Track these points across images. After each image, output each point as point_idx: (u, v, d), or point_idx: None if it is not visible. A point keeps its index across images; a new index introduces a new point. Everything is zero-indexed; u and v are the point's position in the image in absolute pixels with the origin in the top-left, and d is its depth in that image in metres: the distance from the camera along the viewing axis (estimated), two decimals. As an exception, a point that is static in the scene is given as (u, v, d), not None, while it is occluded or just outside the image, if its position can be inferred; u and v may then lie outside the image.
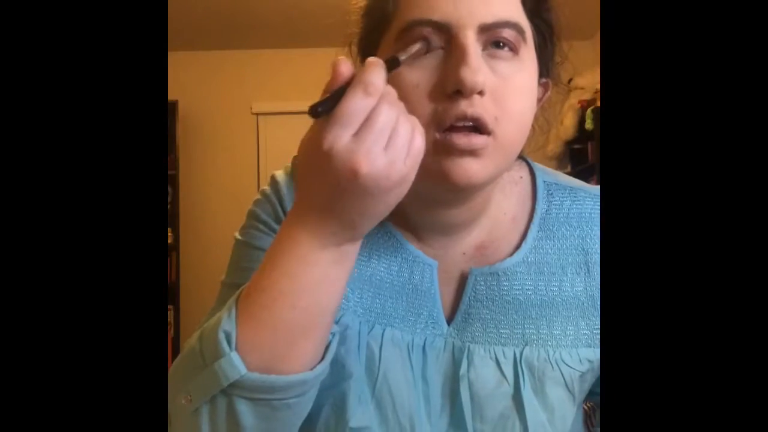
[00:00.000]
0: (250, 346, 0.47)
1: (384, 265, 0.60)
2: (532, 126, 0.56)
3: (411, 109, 0.49)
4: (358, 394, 0.56)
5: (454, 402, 0.57)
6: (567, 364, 0.57)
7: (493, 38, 0.51)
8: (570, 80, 3.38)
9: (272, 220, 0.61)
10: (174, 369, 0.51)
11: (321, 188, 0.45)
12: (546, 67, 0.58)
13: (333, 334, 0.52)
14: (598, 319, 0.59)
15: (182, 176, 3.89)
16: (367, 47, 0.58)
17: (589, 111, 3.44)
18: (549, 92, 0.60)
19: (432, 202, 0.57)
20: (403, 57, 0.48)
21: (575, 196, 0.62)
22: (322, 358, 0.50)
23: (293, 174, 0.62)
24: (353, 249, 0.48)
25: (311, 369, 0.49)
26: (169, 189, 3.74)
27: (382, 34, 0.55)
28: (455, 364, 0.57)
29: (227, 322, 0.47)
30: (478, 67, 0.48)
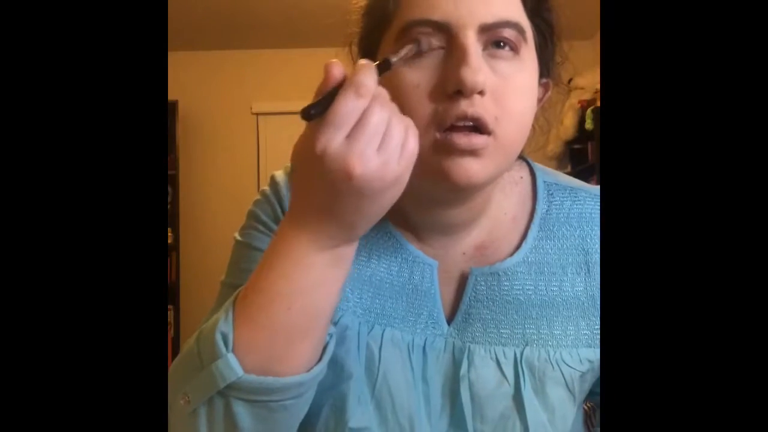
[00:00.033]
0: (247, 348, 0.47)
1: (384, 265, 0.60)
2: (533, 126, 0.56)
3: (411, 109, 0.49)
4: (358, 394, 0.56)
5: (454, 402, 0.57)
6: (567, 364, 0.57)
7: (494, 38, 0.51)
8: (570, 80, 3.38)
9: (271, 220, 0.61)
10: (173, 369, 0.51)
11: (316, 191, 0.45)
12: (546, 67, 0.58)
13: (330, 335, 0.52)
14: (598, 319, 0.59)
15: (182, 176, 3.89)
16: (367, 47, 0.58)
17: (589, 111, 3.44)
18: (549, 92, 0.60)
19: (432, 202, 0.57)
20: (394, 59, 0.48)
21: (575, 197, 0.62)
22: (320, 360, 0.50)
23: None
24: (350, 250, 0.48)
25: (308, 370, 0.49)
26: (169, 189, 3.74)
27: (382, 33, 0.55)
28: (455, 364, 0.57)
29: (224, 323, 0.47)
30: (478, 67, 0.48)
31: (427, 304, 0.59)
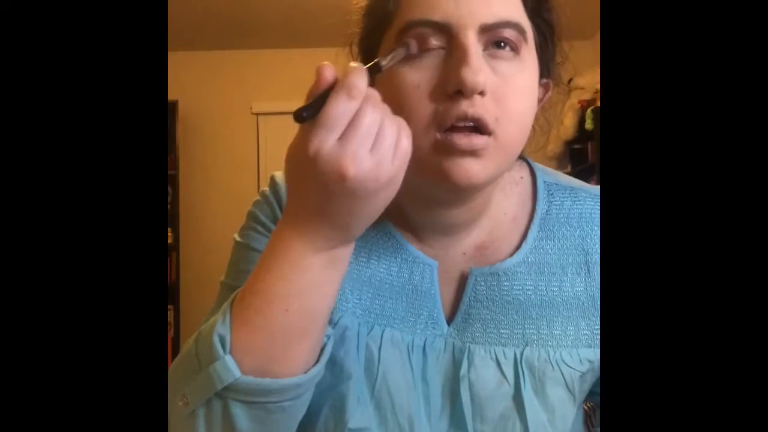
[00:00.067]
0: (245, 350, 0.47)
1: (384, 265, 0.60)
2: (533, 126, 0.56)
3: (412, 109, 0.50)
4: (357, 395, 0.56)
5: (454, 403, 0.57)
6: (567, 365, 0.57)
7: (494, 38, 0.51)
8: (570, 80, 3.38)
9: (270, 221, 0.61)
10: (172, 371, 0.51)
11: (310, 193, 0.45)
12: (547, 68, 0.58)
13: (328, 337, 0.52)
14: (598, 319, 0.59)
15: (182, 176, 3.89)
16: (367, 47, 0.58)
17: (589, 111, 3.44)
18: (550, 93, 0.60)
19: (432, 202, 0.57)
20: (384, 62, 0.48)
21: (576, 197, 0.62)
22: (317, 361, 0.50)
23: None
24: (346, 252, 0.48)
25: (306, 372, 0.49)
26: (169, 189, 3.74)
27: (383, 33, 0.55)
28: (455, 364, 0.57)
29: (222, 325, 0.47)
30: (479, 68, 0.48)
31: (426, 305, 0.59)
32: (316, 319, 0.49)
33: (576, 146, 3.68)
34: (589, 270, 0.60)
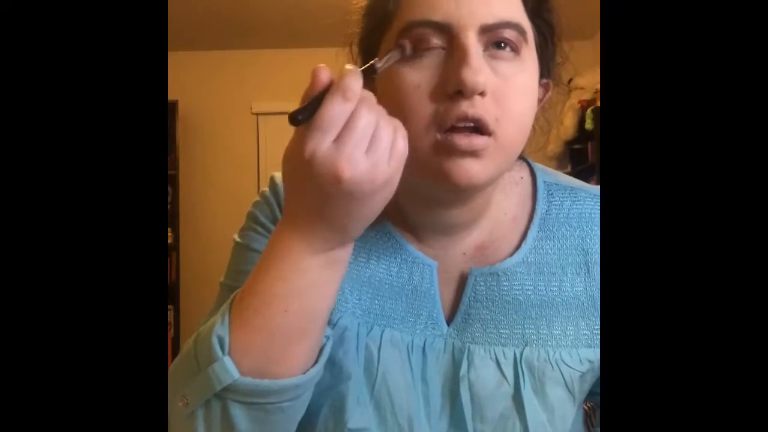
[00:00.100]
0: (243, 350, 0.47)
1: (383, 265, 0.60)
2: (533, 126, 0.56)
3: (412, 110, 0.50)
4: (357, 395, 0.56)
5: (454, 403, 0.57)
6: (567, 365, 0.57)
7: (495, 39, 0.51)
8: (570, 80, 3.38)
9: (270, 222, 0.61)
10: (172, 371, 0.51)
11: (307, 195, 0.45)
12: (547, 68, 0.58)
13: (327, 337, 0.52)
14: (598, 319, 0.59)
15: (182, 176, 3.89)
16: (368, 47, 0.58)
17: (589, 111, 3.44)
18: (550, 93, 0.60)
19: (432, 202, 0.57)
20: (379, 64, 0.49)
21: (575, 197, 0.62)
22: (316, 362, 0.50)
23: None
24: (345, 252, 0.48)
25: (305, 372, 0.49)
26: (169, 189, 3.74)
27: (383, 33, 0.55)
28: (455, 364, 0.57)
29: (220, 326, 0.47)
30: (479, 68, 0.48)
31: (426, 305, 0.59)
32: (316, 320, 0.49)
33: (576, 146, 3.68)
34: (588, 270, 0.60)
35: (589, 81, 3.43)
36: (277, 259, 0.47)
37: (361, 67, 0.46)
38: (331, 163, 0.42)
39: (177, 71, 3.68)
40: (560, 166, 3.65)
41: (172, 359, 0.52)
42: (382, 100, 0.46)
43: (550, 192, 0.63)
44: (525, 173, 0.64)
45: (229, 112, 4.14)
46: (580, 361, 0.58)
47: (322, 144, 0.43)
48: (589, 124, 3.44)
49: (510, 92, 0.51)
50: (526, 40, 0.52)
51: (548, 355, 0.57)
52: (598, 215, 0.61)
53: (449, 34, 0.50)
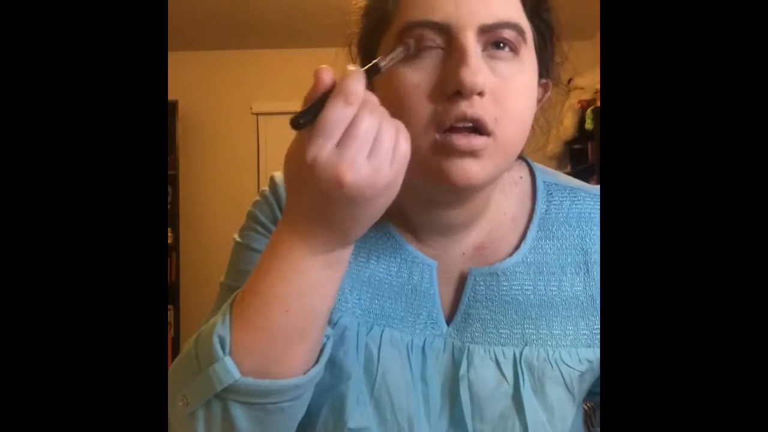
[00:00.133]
0: (244, 351, 0.47)
1: (383, 265, 0.60)
2: (532, 126, 0.56)
3: (411, 110, 0.50)
4: (357, 395, 0.56)
5: (453, 402, 0.57)
6: (566, 364, 0.57)
7: (494, 39, 0.51)
8: (570, 80, 3.38)
9: (270, 221, 0.61)
10: (172, 371, 0.51)
11: (308, 198, 0.45)
12: (546, 68, 0.58)
13: (327, 337, 0.52)
14: (598, 319, 0.59)
15: (182, 176, 3.89)
16: (367, 48, 0.58)
17: (589, 111, 3.44)
18: (549, 93, 0.60)
19: (432, 202, 0.57)
20: (383, 63, 0.48)
21: (575, 196, 0.62)
22: (317, 362, 0.50)
23: None
24: (345, 253, 0.48)
25: (305, 372, 0.49)
26: (169, 189, 3.74)
27: (382, 34, 0.55)
28: (455, 364, 0.57)
29: (221, 326, 0.47)
30: (478, 68, 0.48)
31: (426, 305, 0.59)
32: (316, 320, 0.49)
33: (576, 146, 3.68)
34: (588, 270, 0.60)
35: (589, 81, 3.43)
36: (278, 260, 0.47)
37: (362, 66, 0.46)
38: (333, 168, 0.42)
39: (177, 71, 3.69)
40: (560, 166, 3.65)
41: (172, 359, 0.53)
42: (380, 100, 0.46)
43: (550, 192, 0.63)
44: (524, 173, 0.64)
45: (229, 112, 4.14)
46: (580, 360, 0.58)
47: (323, 149, 0.43)
48: (589, 124, 3.44)
49: (509, 92, 0.51)
50: (524, 40, 0.52)
51: (548, 355, 0.57)
52: (598, 215, 0.61)
53: (448, 34, 0.50)
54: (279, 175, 0.63)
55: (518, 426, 0.55)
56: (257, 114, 4.17)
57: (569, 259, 0.60)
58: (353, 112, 0.43)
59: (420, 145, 0.50)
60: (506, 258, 0.59)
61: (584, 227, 0.61)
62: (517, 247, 0.60)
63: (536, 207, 0.62)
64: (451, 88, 0.49)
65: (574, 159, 3.72)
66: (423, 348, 0.58)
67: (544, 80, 0.58)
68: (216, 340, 0.47)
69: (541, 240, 0.60)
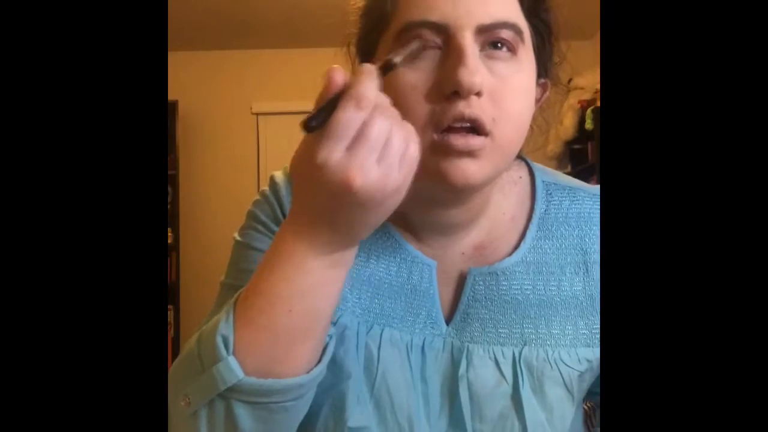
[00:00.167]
0: (248, 350, 0.47)
1: (383, 265, 0.60)
2: (531, 126, 0.56)
3: (409, 110, 0.49)
4: (357, 394, 0.56)
5: (453, 402, 0.57)
6: (566, 364, 0.57)
7: (491, 39, 0.51)
8: (570, 80, 3.38)
9: (271, 221, 0.61)
10: (173, 371, 0.51)
11: (315, 200, 0.45)
12: (544, 68, 0.58)
13: (330, 336, 0.52)
14: (597, 318, 0.59)
15: (182, 176, 3.89)
16: (365, 48, 0.58)
17: (589, 111, 3.44)
18: (548, 92, 0.60)
19: (430, 202, 0.57)
20: (397, 59, 0.48)
21: (574, 196, 0.62)
22: (319, 361, 0.50)
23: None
24: (349, 254, 0.48)
25: (308, 372, 0.49)
26: (169, 189, 3.74)
27: (380, 34, 0.55)
28: (454, 364, 0.57)
29: (225, 325, 0.47)
30: (475, 68, 0.48)
31: (425, 304, 0.59)
32: (319, 320, 0.49)
33: (576, 146, 3.68)
34: (587, 269, 0.60)
35: (588, 81, 3.43)
36: (282, 260, 0.47)
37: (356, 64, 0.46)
38: (343, 171, 0.42)
39: (177, 71, 3.69)
40: (560, 166, 3.65)
41: (172, 359, 0.52)
42: None
43: (549, 191, 0.63)
44: (524, 173, 0.65)
45: (229, 112, 4.14)
46: (579, 360, 0.58)
47: (334, 152, 0.42)
48: (589, 124, 3.44)
49: (507, 92, 0.51)
50: (522, 40, 0.52)
51: (547, 355, 0.57)
52: (597, 215, 0.61)
53: (446, 34, 0.50)
54: (279, 175, 0.63)
55: (517, 425, 0.55)
56: (257, 114, 4.17)
57: (568, 259, 0.60)
58: (365, 116, 0.43)
59: None
60: (505, 258, 0.59)
61: (583, 227, 0.61)
62: (517, 246, 0.60)
63: (535, 207, 0.62)
64: (448, 89, 0.49)
65: (574, 159, 3.72)
66: (422, 347, 0.58)
67: (542, 80, 0.58)
68: (219, 340, 0.47)
69: (541, 240, 0.60)
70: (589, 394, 0.63)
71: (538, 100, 0.58)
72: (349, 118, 0.42)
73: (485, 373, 0.56)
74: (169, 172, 3.68)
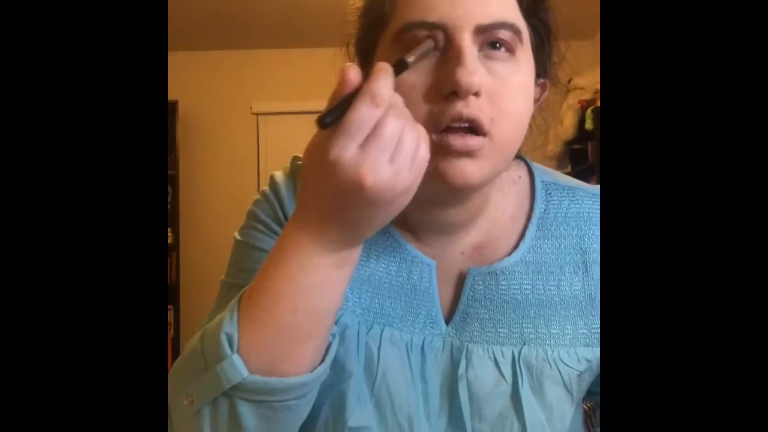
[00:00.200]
0: (252, 349, 0.47)
1: (383, 264, 0.60)
2: (530, 126, 0.56)
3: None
4: (357, 393, 0.56)
5: (452, 401, 0.57)
6: (565, 363, 0.57)
7: (490, 39, 0.51)
8: (569, 80, 3.38)
9: (271, 220, 0.61)
10: (175, 370, 0.51)
11: (325, 197, 0.45)
12: (543, 68, 0.58)
13: (333, 335, 0.53)
14: (596, 318, 0.59)
15: (182, 176, 3.89)
16: (364, 48, 0.58)
17: (589, 111, 3.44)
18: (546, 92, 0.60)
19: (430, 202, 0.57)
20: (411, 59, 0.48)
21: (573, 196, 0.62)
22: (323, 360, 0.50)
23: (293, 175, 0.62)
24: (354, 253, 0.48)
25: (312, 370, 0.49)
26: (169, 189, 3.74)
27: (379, 35, 0.55)
28: (454, 363, 0.57)
29: (229, 324, 0.47)
30: (473, 69, 0.48)
31: (425, 304, 0.59)
32: (323, 319, 0.49)
33: (576, 146, 3.68)
34: (586, 269, 0.60)
35: (589, 81, 3.43)
36: (286, 258, 0.47)
37: (359, 65, 0.46)
38: (355, 169, 0.42)
39: (177, 71, 3.69)
40: (560, 166, 3.65)
41: (172, 359, 0.52)
42: None
43: (549, 191, 0.63)
44: (523, 173, 0.65)
45: (229, 112, 4.14)
46: (578, 360, 0.58)
47: (347, 149, 0.43)
48: (589, 124, 3.44)
49: (505, 92, 0.51)
50: (521, 40, 0.52)
51: (546, 354, 0.57)
52: (597, 214, 0.61)
53: (445, 34, 0.50)
54: (279, 175, 0.63)
55: (517, 425, 0.55)
56: (257, 114, 4.17)
57: (568, 259, 0.60)
58: (380, 113, 0.43)
59: None
60: (505, 257, 0.59)
61: (583, 227, 0.61)
62: (516, 246, 0.60)
63: (535, 206, 0.62)
64: (447, 89, 0.49)
65: (574, 159, 3.72)
66: (422, 347, 0.58)
67: (541, 80, 0.58)
68: (224, 338, 0.47)
69: (540, 239, 0.60)
70: (589, 394, 0.63)
71: (536, 100, 0.58)
72: (364, 115, 0.42)
73: (485, 372, 0.56)
74: (169, 172, 3.68)
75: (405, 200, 0.46)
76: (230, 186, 4.05)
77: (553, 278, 0.59)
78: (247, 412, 0.48)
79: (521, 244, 0.60)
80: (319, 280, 0.47)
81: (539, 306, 0.58)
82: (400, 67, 0.47)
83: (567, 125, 3.57)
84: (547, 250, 0.60)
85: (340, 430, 0.55)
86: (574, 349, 0.58)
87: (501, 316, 0.58)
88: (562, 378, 0.57)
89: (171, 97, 3.58)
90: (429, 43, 0.50)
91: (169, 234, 3.73)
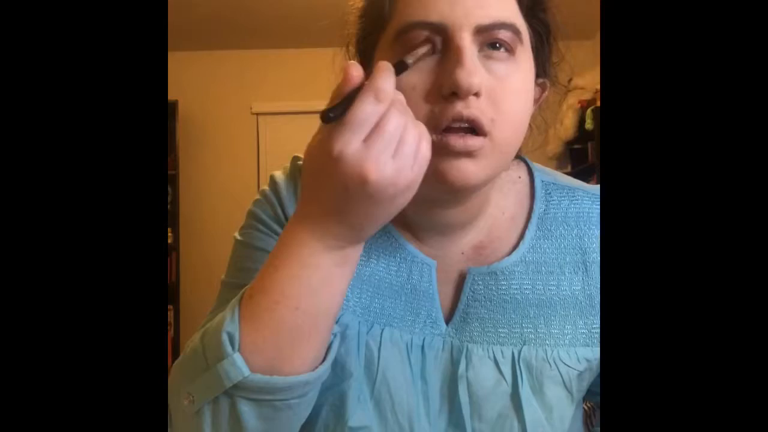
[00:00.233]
0: (253, 348, 0.47)
1: (383, 264, 0.60)
2: (530, 126, 0.56)
3: None
4: (357, 393, 0.56)
5: (452, 401, 0.57)
6: (565, 363, 0.57)
7: (489, 39, 0.51)
8: (569, 80, 3.38)
9: (271, 220, 0.61)
10: (176, 369, 0.51)
11: (328, 192, 0.45)
12: (543, 68, 0.58)
13: (334, 335, 0.53)
14: (596, 318, 0.59)
15: (182, 176, 3.89)
16: (364, 48, 0.58)
17: (589, 111, 3.44)
18: (546, 92, 0.60)
19: (430, 202, 0.57)
20: (410, 60, 0.48)
21: (573, 196, 0.62)
22: (324, 359, 0.50)
23: (293, 175, 0.62)
24: (356, 251, 0.48)
25: (313, 370, 0.49)
26: (169, 189, 3.74)
27: (379, 35, 0.55)
28: (454, 363, 0.57)
29: (230, 323, 0.47)
30: (473, 69, 0.48)
31: (425, 304, 0.59)
32: (325, 318, 0.49)
33: (576, 146, 3.68)
34: (586, 269, 0.60)
35: (589, 81, 3.43)
36: (288, 256, 0.47)
37: (361, 64, 0.46)
38: (358, 163, 0.43)
39: (177, 71, 3.69)
40: (560, 166, 3.65)
41: (172, 359, 0.52)
42: None
43: (548, 191, 0.63)
44: (523, 172, 0.65)
45: (229, 112, 4.14)
46: (578, 360, 0.58)
47: (350, 144, 0.43)
48: (589, 124, 3.44)
49: (505, 93, 0.51)
50: (521, 40, 0.52)
51: (546, 354, 0.57)
52: (596, 214, 0.61)
53: (444, 35, 0.50)
54: (279, 175, 0.63)
55: (517, 425, 0.55)
56: (257, 114, 4.17)
57: (568, 259, 0.60)
58: (383, 109, 0.43)
59: None
60: (505, 257, 0.59)
61: (583, 227, 0.61)
62: (516, 246, 0.60)
63: (535, 206, 0.62)
64: (447, 89, 0.49)
65: (574, 159, 3.72)
66: (422, 347, 0.58)
67: (541, 80, 0.58)
68: (225, 337, 0.47)
69: (540, 239, 0.60)
70: (589, 394, 0.63)
71: (536, 100, 0.58)
72: (367, 110, 0.43)
73: (485, 372, 0.56)
74: (169, 172, 3.68)
75: (407, 197, 0.46)
76: (230, 186, 4.05)
77: (553, 278, 0.59)
78: (248, 412, 0.47)
79: (521, 244, 0.60)
80: (321, 279, 0.47)
81: (539, 306, 0.58)
82: (400, 68, 0.47)
83: (567, 125, 3.57)
84: (547, 250, 0.60)
85: (341, 430, 0.55)
86: (574, 348, 0.58)
87: (501, 316, 0.58)
88: (562, 378, 0.57)
89: (171, 97, 3.58)
90: (427, 47, 0.50)
91: (169, 234, 3.73)
